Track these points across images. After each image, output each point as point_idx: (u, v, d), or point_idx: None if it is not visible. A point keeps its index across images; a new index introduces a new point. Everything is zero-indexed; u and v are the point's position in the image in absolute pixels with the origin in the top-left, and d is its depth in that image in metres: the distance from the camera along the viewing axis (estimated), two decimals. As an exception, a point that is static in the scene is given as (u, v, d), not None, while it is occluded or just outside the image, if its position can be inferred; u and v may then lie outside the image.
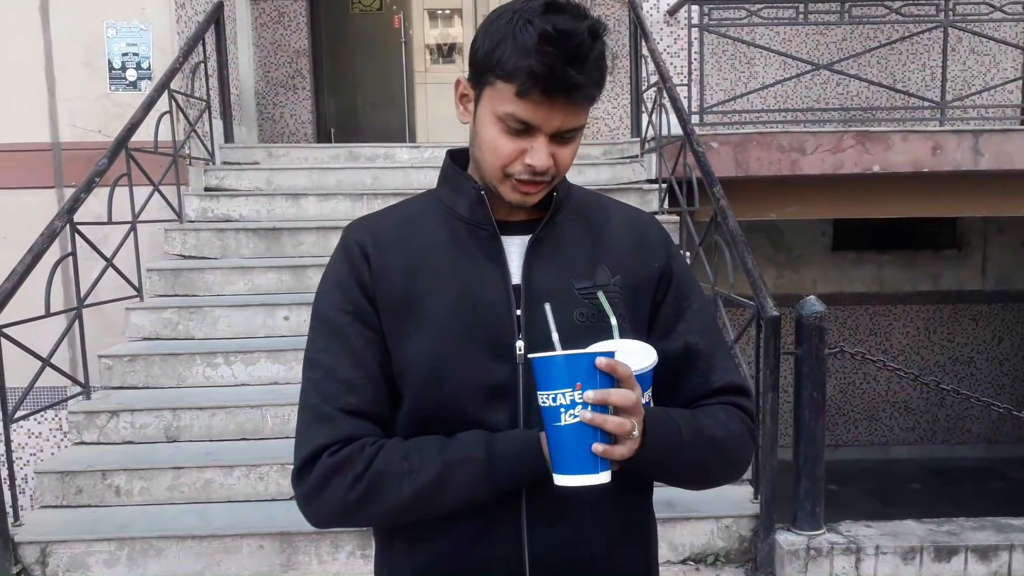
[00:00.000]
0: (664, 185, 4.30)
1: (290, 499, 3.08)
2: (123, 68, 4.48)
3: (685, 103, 4.58)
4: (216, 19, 4.90)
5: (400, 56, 7.28)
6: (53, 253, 3.40)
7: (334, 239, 4.41)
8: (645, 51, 4.58)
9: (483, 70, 0.98)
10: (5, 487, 2.86)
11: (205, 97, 4.74)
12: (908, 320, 7.62)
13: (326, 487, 0.99)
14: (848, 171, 4.50)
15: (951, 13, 4.68)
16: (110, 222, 3.72)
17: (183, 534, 2.85)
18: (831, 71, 5.10)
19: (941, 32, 5.00)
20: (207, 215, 4.46)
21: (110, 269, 3.74)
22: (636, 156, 4.86)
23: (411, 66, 7.32)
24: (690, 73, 4.67)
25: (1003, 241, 7.52)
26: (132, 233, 3.88)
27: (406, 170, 4.82)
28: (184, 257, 4.23)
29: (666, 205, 4.29)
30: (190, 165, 4.56)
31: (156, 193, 4.08)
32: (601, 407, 0.89)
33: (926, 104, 5.08)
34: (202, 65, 4.71)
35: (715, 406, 1.07)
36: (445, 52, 7.56)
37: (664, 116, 4.26)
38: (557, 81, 0.93)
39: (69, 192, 4.15)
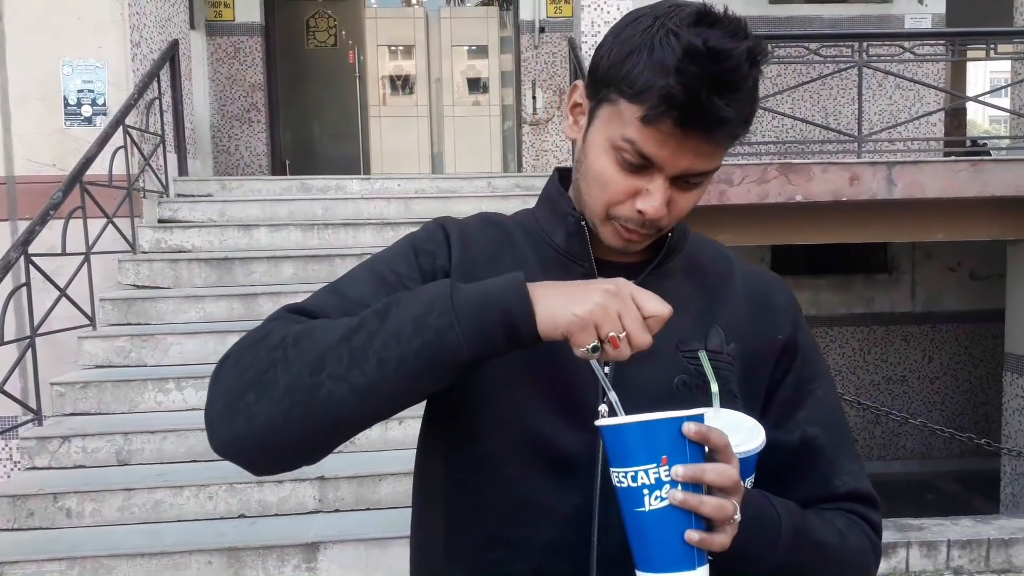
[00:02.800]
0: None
1: (238, 517, 3.21)
2: (78, 104, 4.61)
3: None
4: (171, 56, 5.07)
5: (355, 90, 7.51)
6: (7, 284, 3.51)
7: (285, 268, 4.55)
8: (583, 89, 4.85)
9: (605, 82, 0.80)
10: (-43, 510, 2.95)
11: (160, 132, 4.89)
12: (844, 341, 7.98)
13: (249, 343, 0.80)
14: (773, 200, 4.80)
15: (865, 54, 5.04)
16: (64, 253, 3.84)
17: (133, 552, 2.95)
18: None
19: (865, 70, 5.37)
20: (160, 246, 4.59)
21: (63, 299, 3.85)
22: (577, 187, 5.11)
23: (365, 100, 7.55)
24: (625, 109, 4.94)
25: (931, 265, 7.95)
26: (86, 264, 4.00)
27: (356, 201, 5.00)
28: (137, 287, 4.35)
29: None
30: (144, 198, 4.69)
31: (110, 225, 4.21)
32: (694, 486, 0.72)
33: (846, 138, 5.43)
34: (157, 101, 4.86)
35: (834, 511, 0.90)
36: (399, 86, 7.81)
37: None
38: (698, 110, 0.75)
39: (23, 224, 4.26)
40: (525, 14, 7.18)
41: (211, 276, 4.37)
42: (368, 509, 3.24)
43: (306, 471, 3.25)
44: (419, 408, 0.90)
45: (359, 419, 0.78)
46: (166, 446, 3.43)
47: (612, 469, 0.74)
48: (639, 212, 0.81)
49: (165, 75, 5.01)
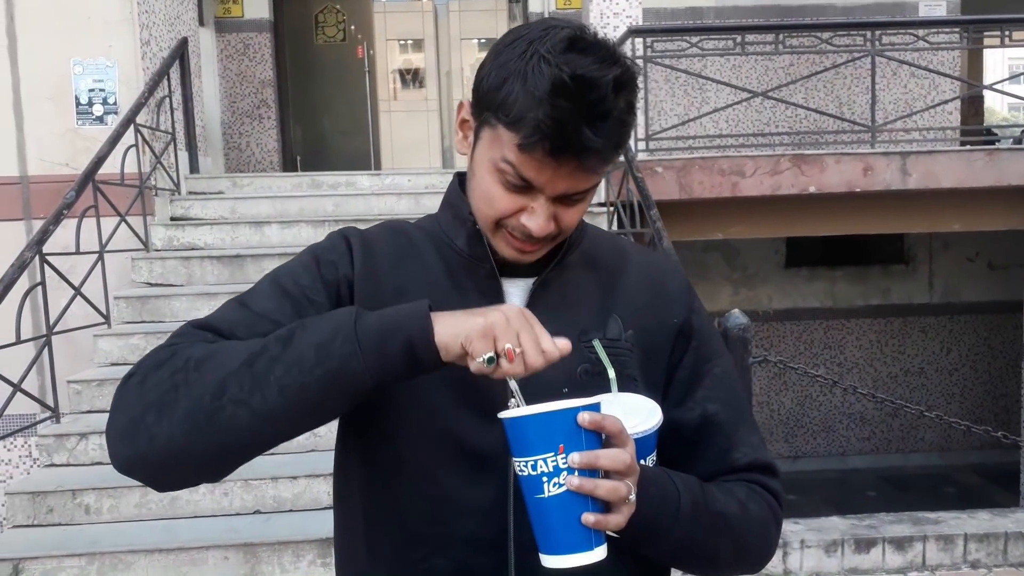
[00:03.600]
0: (612, 208, 4.54)
1: (254, 513, 3.23)
2: (90, 103, 4.64)
3: (632, 130, 4.84)
4: (181, 54, 5.09)
5: (364, 85, 7.51)
6: (23, 283, 3.53)
7: (294, 265, 4.51)
8: (593, 81, 4.84)
9: (485, 106, 0.84)
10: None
11: (170, 130, 4.91)
12: (861, 333, 7.91)
13: (154, 363, 0.81)
14: (786, 192, 4.77)
15: (877, 43, 4.99)
16: (78, 252, 3.86)
17: (151, 548, 2.98)
18: (767, 97, 5.39)
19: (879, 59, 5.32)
20: (173, 244, 4.61)
21: (78, 297, 3.87)
22: (588, 180, 5.09)
23: (375, 94, 7.56)
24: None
25: (948, 256, 7.87)
26: (100, 263, 4.03)
27: (367, 197, 5.00)
28: (151, 285, 4.37)
29: (615, 227, 4.52)
30: (156, 196, 4.71)
31: (123, 223, 4.23)
32: (590, 471, 0.75)
33: (860, 128, 5.38)
34: (167, 99, 4.88)
35: (735, 483, 0.93)
36: (409, 80, 7.81)
37: (611, 143, 4.49)
38: (567, 141, 0.78)
39: (37, 224, 4.30)
40: (534, 6, 7.14)
41: (223, 273, 4.38)
42: (382, 504, 3.25)
43: (320, 467, 3.28)
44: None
45: (260, 441, 0.80)
46: (181, 443, 3.45)
47: (514, 459, 0.77)
48: (524, 226, 0.85)
49: (175, 73, 5.03)
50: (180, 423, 0.77)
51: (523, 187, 0.84)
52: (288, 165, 7.16)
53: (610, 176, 4.60)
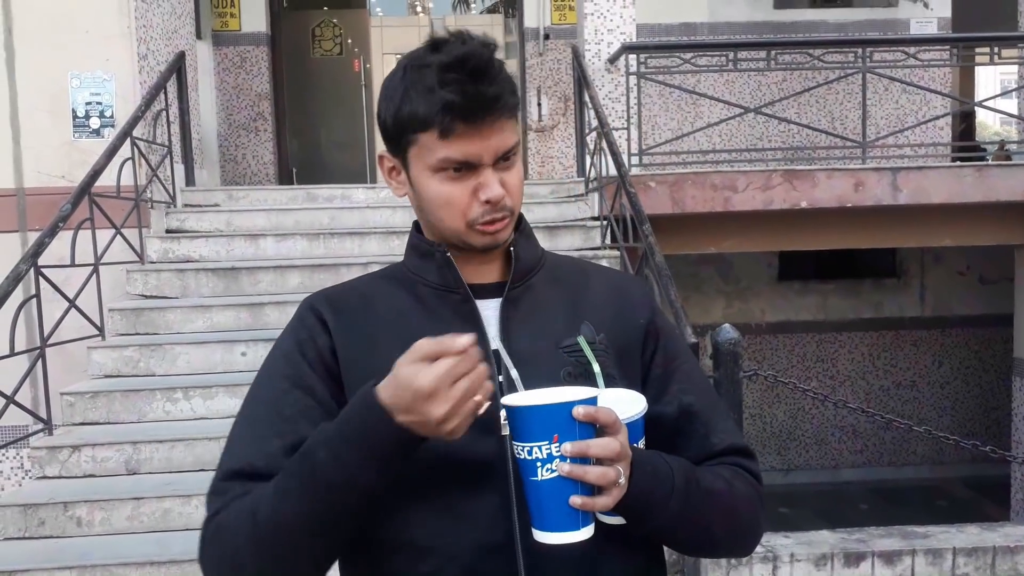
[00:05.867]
0: (605, 222, 4.57)
1: (246, 526, 3.22)
2: (87, 116, 4.66)
3: (626, 145, 4.89)
4: (178, 68, 5.12)
5: (361, 98, 7.56)
6: (17, 295, 3.54)
7: (291, 277, 4.56)
8: (587, 97, 4.89)
9: (399, 132, 0.94)
10: (-32, 520, 2.98)
11: (167, 143, 4.93)
12: (853, 347, 7.94)
13: (217, 542, 0.93)
14: (777, 207, 4.81)
15: (868, 60, 5.04)
16: (73, 264, 3.87)
17: (142, 560, 2.97)
18: (759, 113, 5.44)
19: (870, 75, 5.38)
20: (168, 256, 4.63)
21: (73, 310, 3.88)
22: (581, 195, 5.13)
23: (371, 108, 7.58)
24: (628, 117, 4.97)
25: (940, 269, 7.92)
26: (95, 275, 4.04)
27: (362, 210, 5.03)
28: (146, 297, 4.38)
29: (608, 240, 4.56)
30: (152, 208, 4.73)
31: (118, 236, 4.24)
32: (581, 458, 0.82)
33: (851, 143, 5.43)
34: (164, 112, 4.90)
35: (718, 465, 1.00)
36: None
37: (604, 158, 4.54)
38: (474, 102, 0.89)
39: (33, 236, 4.30)
40: (530, 21, 7.21)
41: (218, 286, 4.40)
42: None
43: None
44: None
45: (329, 552, 0.93)
46: (174, 455, 3.46)
47: (513, 441, 0.85)
48: (487, 203, 0.93)
49: (172, 86, 5.05)
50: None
51: (465, 168, 0.93)
52: (284, 178, 7.19)
53: (603, 190, 4.64)
